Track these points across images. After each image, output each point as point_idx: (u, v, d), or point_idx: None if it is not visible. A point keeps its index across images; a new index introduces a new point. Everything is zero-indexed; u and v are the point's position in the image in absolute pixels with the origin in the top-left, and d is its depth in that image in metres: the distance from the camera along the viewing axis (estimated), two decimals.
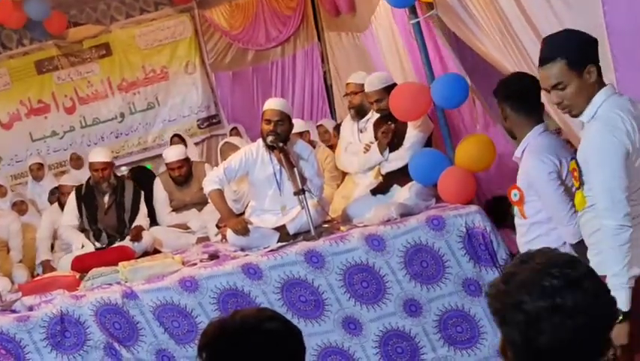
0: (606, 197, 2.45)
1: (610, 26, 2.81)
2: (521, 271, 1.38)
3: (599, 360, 1.36)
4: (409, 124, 4.83)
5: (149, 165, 7.89)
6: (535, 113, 3.14)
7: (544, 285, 1.34)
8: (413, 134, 4.82)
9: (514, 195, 3.12)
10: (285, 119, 4.66)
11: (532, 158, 3.03)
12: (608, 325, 1.38)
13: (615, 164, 2.41)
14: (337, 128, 6.36)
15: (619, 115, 2.45)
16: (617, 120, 2.44)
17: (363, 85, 5.21)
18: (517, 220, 3.20)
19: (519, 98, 3.10)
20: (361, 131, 5.32)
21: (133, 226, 5.65)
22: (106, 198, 5.73)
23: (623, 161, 2.41)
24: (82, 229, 5.70)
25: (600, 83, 2.53)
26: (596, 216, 2.53)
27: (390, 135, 4.84)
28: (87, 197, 5.74)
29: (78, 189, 5.83)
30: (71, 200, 5.79)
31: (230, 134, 7.30)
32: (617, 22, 2.82)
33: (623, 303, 2.38)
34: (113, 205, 5.72)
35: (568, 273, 1.35)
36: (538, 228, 3.13)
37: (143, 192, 5.88)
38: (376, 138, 5.03)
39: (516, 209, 3.16)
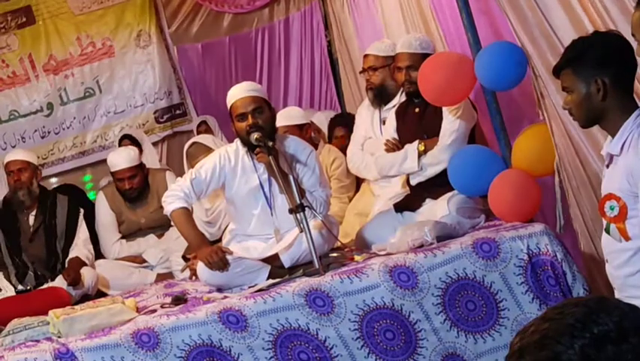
0: None
1: None
2: (531, 336, 1.42)
3: None
4: (444, 111, 4.83)
5: (87, 177, 7.89)
6: (633, 91, 3.10)
7: (569, 323, 1.37)
8: (452, 125, 4.81)
9: (610, 209, 3.06)
10: (262, 104, 4.69)
11: None
12: None
13: None
14: (337, 121, 6.37)
15: None
16: None
17: (386, 58, 5.21)
18: (613, 244, 3.13)
19: (625, 67, 3.03)
20: (384, 122, 5.33)
21: (68, 258, 5.65)
22: (31, 220, 5.79)
23: None
24: None
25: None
26: None
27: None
28: (6, 219, 5.80)
29: None
30: None
31: (198, 132, 7.30)
32: None
33: None
34: (41, 228, 5.75)
35: (585, 303, 1.40)
36: None
37: (82, 211, 5.89)
38: (398, 129, 5.01)
39: (612, 227, 3.09)
